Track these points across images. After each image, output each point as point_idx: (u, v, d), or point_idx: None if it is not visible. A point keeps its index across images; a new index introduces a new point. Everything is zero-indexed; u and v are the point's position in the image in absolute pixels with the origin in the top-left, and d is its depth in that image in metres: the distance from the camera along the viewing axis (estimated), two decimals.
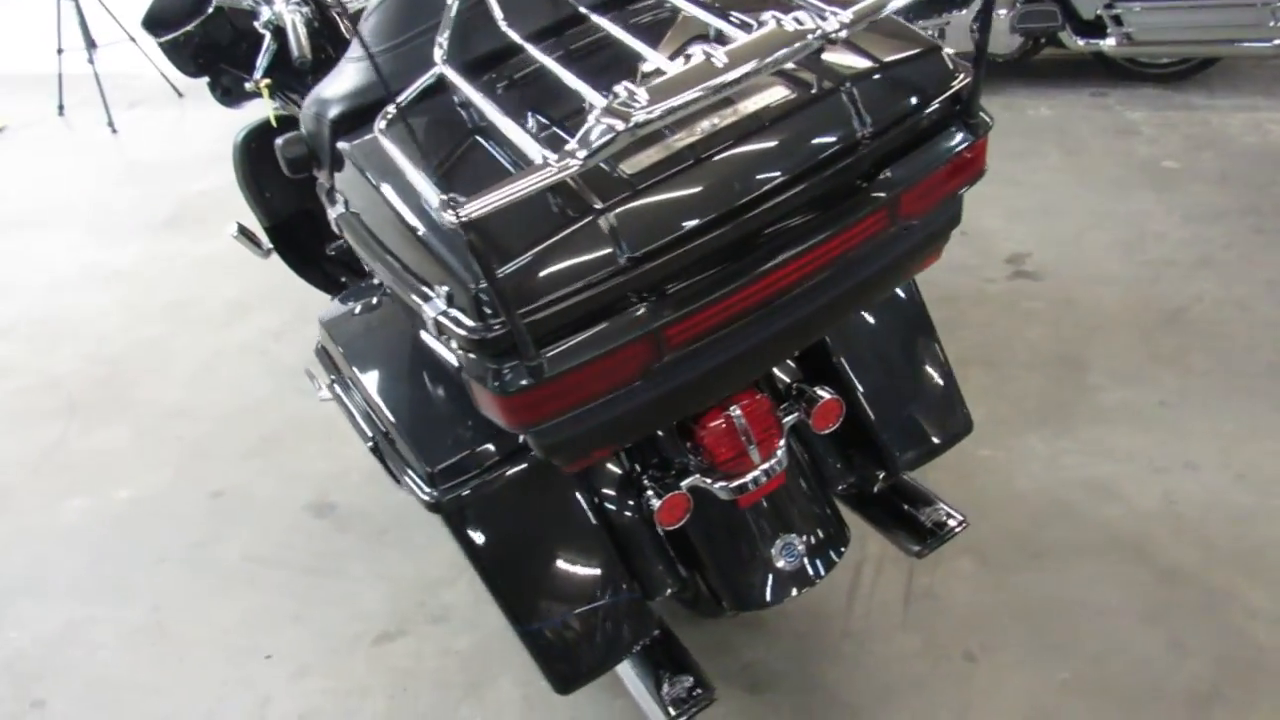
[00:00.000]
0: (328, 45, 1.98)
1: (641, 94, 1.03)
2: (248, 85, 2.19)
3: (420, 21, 1.45)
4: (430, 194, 1.05)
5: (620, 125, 1.02)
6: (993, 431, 2.50)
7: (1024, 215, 3.43)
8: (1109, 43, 4.05)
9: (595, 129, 1.02)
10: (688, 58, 1.10)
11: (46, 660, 2.24)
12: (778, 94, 1.26)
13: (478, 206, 1.02)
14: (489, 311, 1.12)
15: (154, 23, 2.24)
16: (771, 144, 1.23)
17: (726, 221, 1.19)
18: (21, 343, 3.47)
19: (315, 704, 2.05)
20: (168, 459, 2.81)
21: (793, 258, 1.23)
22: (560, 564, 1.59)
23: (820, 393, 1.59)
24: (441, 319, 1.16)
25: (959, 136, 1.31)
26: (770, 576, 1.63)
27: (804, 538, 1.64)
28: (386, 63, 1.42)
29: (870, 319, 1.73)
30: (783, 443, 1.57)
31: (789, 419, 1.59)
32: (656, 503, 1.51)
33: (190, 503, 2.64)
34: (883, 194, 1.27)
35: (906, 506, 1.82)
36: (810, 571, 1.64)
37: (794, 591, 1.65)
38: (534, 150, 1.09)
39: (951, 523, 1.76)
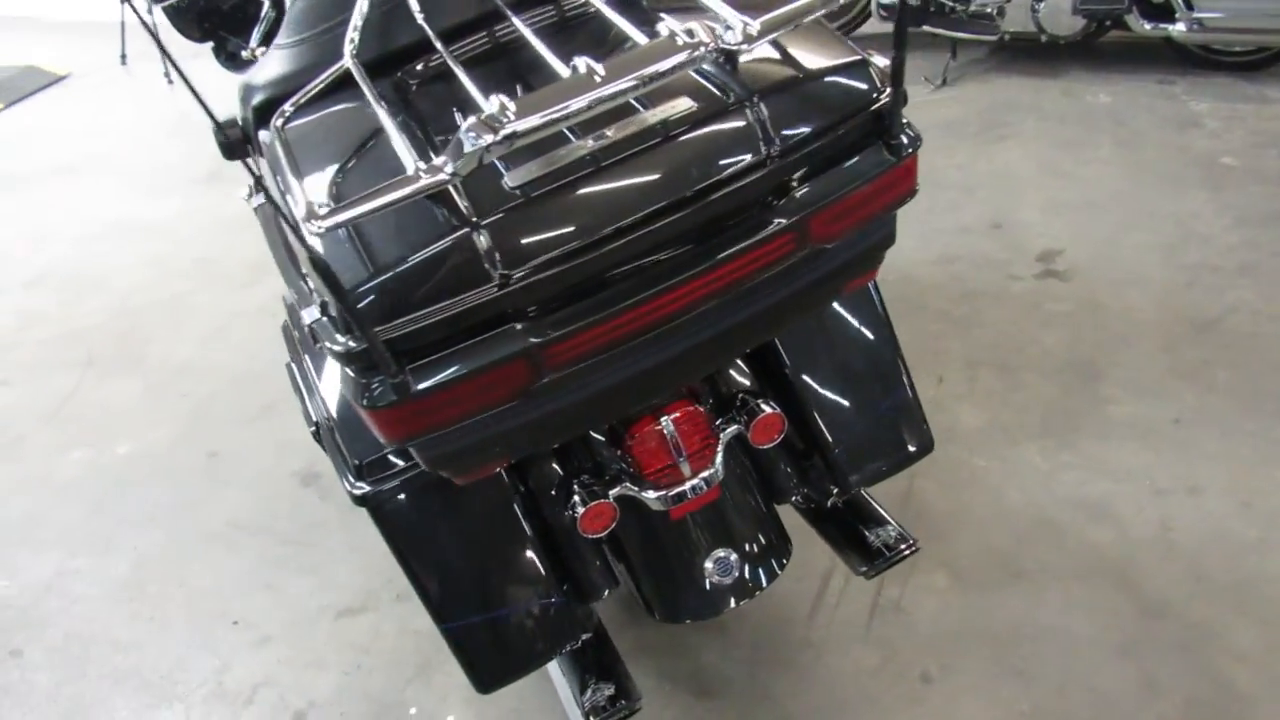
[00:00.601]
0: None
1: (512, 106, 0.98)
2: (244, 54, 2.18)
3: (348, 8, 1.40)
4: (298, 201, 1.02)
5: (489, 138, 0.97)
6: (991, 440, 2.40)
7: (1064, 209, 3.26)
8: (1178, 28, 3.80)
9: (465, 140, 0.98)
10: (574, 69, 1.04)
11: (30, 610, 2.31)
12: (683, 106, 1.18)
13: (337, 218, 0.99)
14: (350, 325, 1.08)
15: None
16: (668, 160, 1.15)
17: (610, 242, 1.12)
18: (51, 294, 3.57)
19: (272, 674, 2.08)
20: (171, 417, 2.86)
21: (684, 281, 1.15)
22: (486, 564, 1.56)
23: (762, 406, 1.52)
24: (315, 326, 1.12)
25: (878, 158, 1.23)
26: (701, 590, 1.58)
27: (739, 551, 1.58)
28: (309, 50, 1.38)
29: (827, 327, 1.65)
30: (720, 455, 1.51)
31: (728, 431, 1.53)
32: (580, 510, 1.47)
33: (186, 462, 2.69)
34: (788, 217, 1.18)
35: (858, 525, 1.74)
36: (744, 585, 1.59)
37: (730, 604, 1.60)
38: (408, 159, 1.05)
39: (901, 546, 1.68)
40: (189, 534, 2.45)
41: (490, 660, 1.57)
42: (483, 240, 1.08)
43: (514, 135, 0.98)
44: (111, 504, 2.57)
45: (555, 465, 1.59)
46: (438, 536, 1.55)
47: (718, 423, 1.53)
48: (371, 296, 1.06)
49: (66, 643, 2.22)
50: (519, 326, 1.12)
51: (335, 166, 1.24)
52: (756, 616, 2.06)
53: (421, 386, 1.08)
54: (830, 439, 1.64)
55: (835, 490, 1.69)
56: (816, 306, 1.52)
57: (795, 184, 1.20)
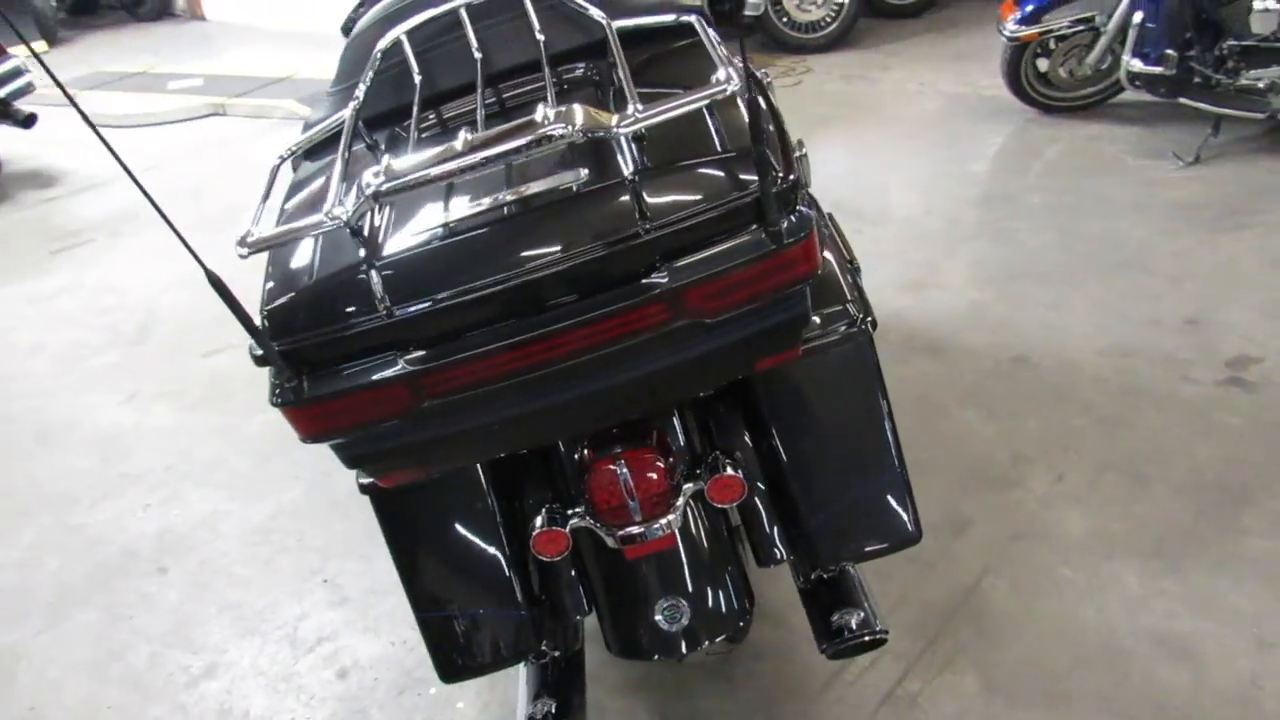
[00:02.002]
0: None
1: (386, 168, 1.14)
2: None
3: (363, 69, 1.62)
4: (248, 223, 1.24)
5: (368, 192, 1.14)
6: (1089, 550, 2.19)
7: None
8: None
9: (354, 193, 1.16)
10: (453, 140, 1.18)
11: (185, 538, 2.73)
12: (571, 177, 1.27)
13: (258, 242, 1.20)
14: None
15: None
16: (548, 226, 1.25)
17: (483, 292, 1.23)
18: None
19: (336, 631, 2.32)
20: None
21: (552, 334, 1.24)
22: (464, 566, 1.68)
23: (725, 466, 1.54)
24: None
25: (758, 241, 1.23)
26: (650, 632, 1.61)
27: (692, 602, 1.60)
28: (336, 100, 1.60)
29: (816, 398, 1.63)
30: (679, 505, 1.54)
31: (689, 485, 1.56)
32: (534, 532, 1.56)
33: None
34: (658, 289, 1.23)
35: (831, 600, 1.69)
36: (693, 635, 1.61)
37: (677, 651, 1.62)
38: (329, 202, 1.22)
39: (863, 631, 1.61)
40: (320, 496, 2.78)
41: (454, 653, 1.69)
42: (375, 278, 1.23)
43: (379, 194, 1.14)
44: (275, 461, 2.97)
45: (541, 487, 1.69)
46: (426, 533, 1.70)
47: (680, 475, 1.56)
48: (276, 312, 1.24)
49: (199, 569, 2.60)
50: (402, 354, 1.25)
51: (295, 202, 1.44)
52: (769, 676, 2.03)
53: (311, 394, 1.24)
54: (804, 511, 1.62)
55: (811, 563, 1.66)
56: (724, 378, 1.52)
57: (672, 258, 1.24)
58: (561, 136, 1.12)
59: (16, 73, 5.47)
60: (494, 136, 1.14)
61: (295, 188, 1.59)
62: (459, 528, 1.69)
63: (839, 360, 1.61)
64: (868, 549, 1.63)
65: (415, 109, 1.50)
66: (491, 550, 1.67)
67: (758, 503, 1.66)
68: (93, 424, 3.36)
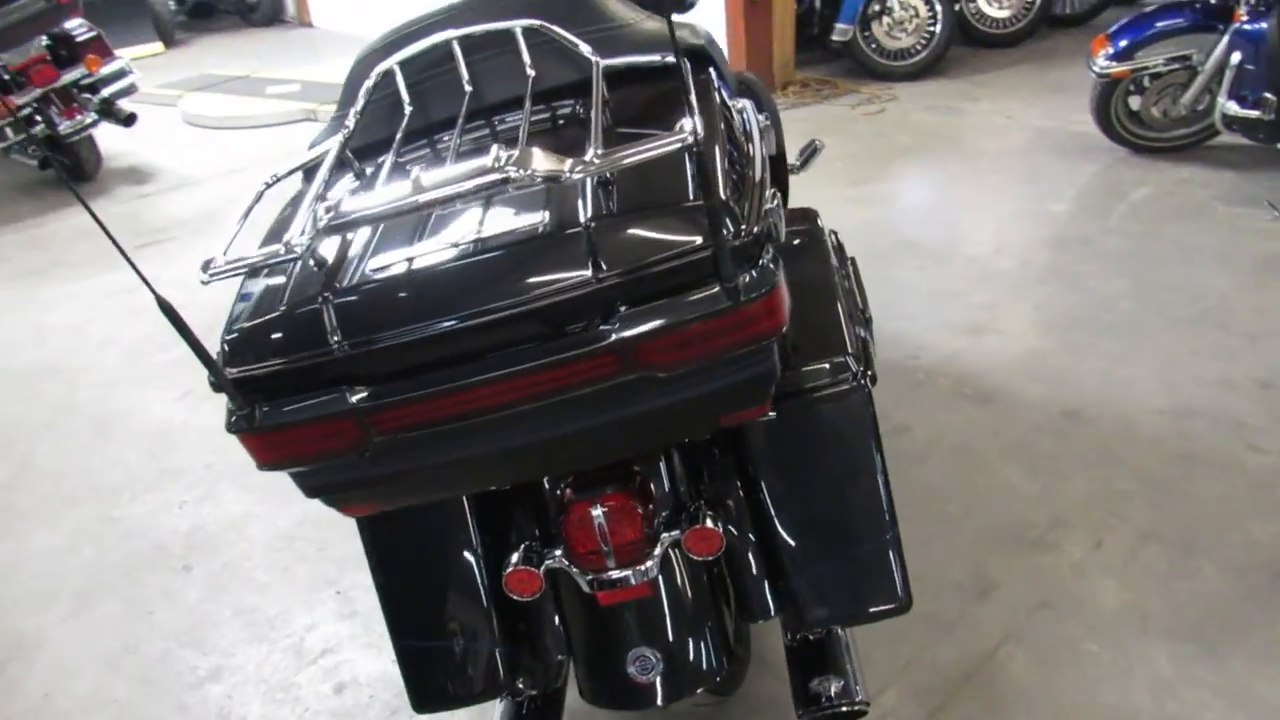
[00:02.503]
0: None
1: (338, 203, 1.13)
2: None
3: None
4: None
5: (318, 226, 1.13)
6: (1120, 626, 2.05)
7: None
8: None
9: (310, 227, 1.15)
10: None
11: (214, 538, 2.77)
12: (538, 218, 1.23)
13: (218, 272, 1.20)
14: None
15: None
16: (503, 267, 1.22)
17: (432, 332, 1.20)
18: None
19: (340, 644, 2.32)
20: None
21: (500, 380, 1.20)
22: (442, 596, 1.66)
23: (705, 518, 1.48)
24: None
25: (714, 298, 1.17)
26: (620, 681, 1.56)
27: (665, 654, 1.54)
28: (332, 126, 1.61)
29: (809, 456, 1.55)
30: (656, 554, 1.49)
31: (667, 535, 1.50)
32: (508, 569, 1.52)
33: None
34: (607, 340, 1.18)
35: (815, 664, 1.61)
36: (664, 690, 1.55)
37: (648, 703, 1.56)
38: (294, 231, 1.22)
39: (841, 700, 1.53)
40: None
41: (428, 683, 1.67)
42: (329, 312, 1.21)
43: (326, 229, 1.12)
44: None
45: (528, 522, 1.66)
46: (408, 561, 1.68)
47: (659, 522, 1.51)
48: (234, 340, 1.24)
49: (222, 570, 2.64)
50: (351, 389, 1.22)
51: (271, 228, 1.44)
52: None
53: (262, 423, 1.23)
54: (789, 569, 1.55)
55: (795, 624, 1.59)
56: (687, 433, 1.46)
57: (624, 310, 1.19)
58: (511, 181, 1.09)
59: (121, 73, 5.71)
60: (445, 178, 1.11)
61: (281, 213, 1.59)
62: (441, 559, 1.66)
63: (833, 415, 1.54)
64: (852, 614, 1.55)
65: (397, 140, 1.49)
66: (472, 584, 1.65)
67: (748, 555, 1.60)
68: (147, 418, 3.46)
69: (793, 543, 1.55)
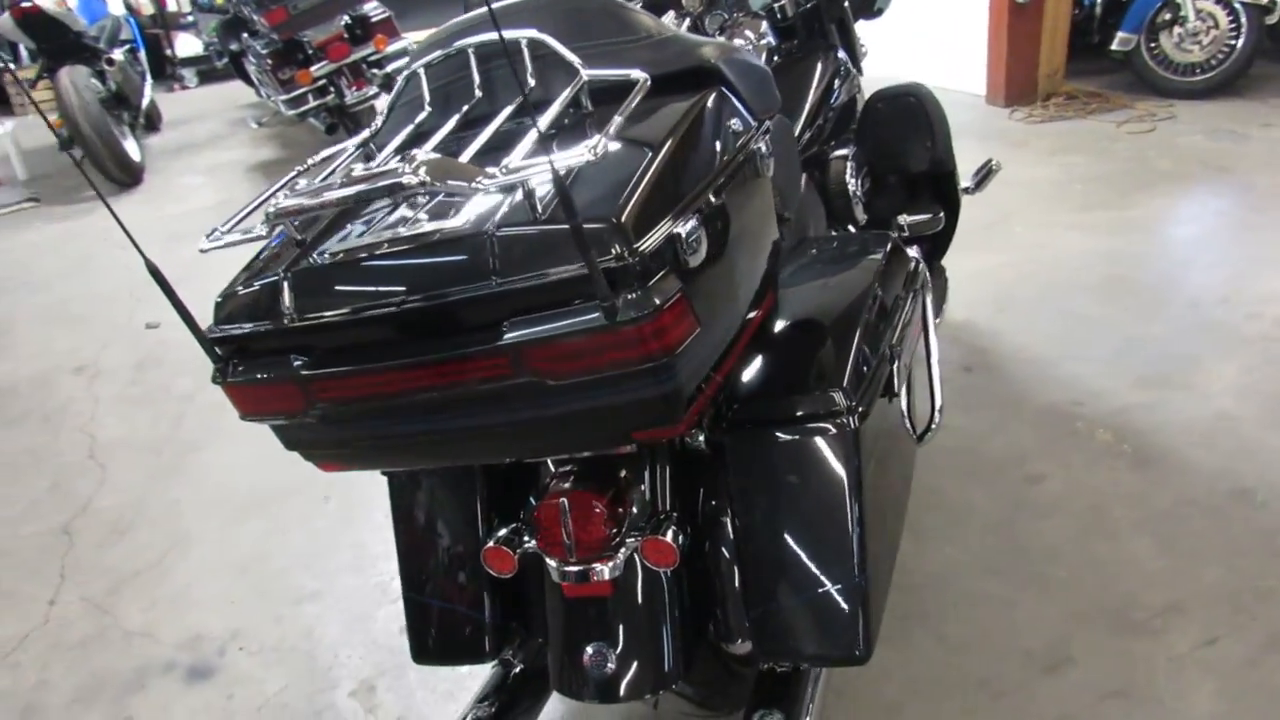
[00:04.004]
0: None
1: (290, 194, 1.25)
2: None
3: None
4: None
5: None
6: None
7: None
8: None
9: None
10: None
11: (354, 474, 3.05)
12: (461, 220, 1.26)
13: (212, 244, 1.36)
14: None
15: None
16: (419, 263, 1.27)
17: (352, 316, 1.28)
18: None
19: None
20: None
21: (403, 367, 1.26)
22: (446, 560, 1.77)
23: (662, 531, 1.48)
24: None
25: (593, 314, 1.16)
26: (576, 672, 1.58)
27: (618, 654, 1.55)
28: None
29: (778, 477, 1.49)
30: (620, 557, 1.50)
31: (631, 539, 1.51)
32: (488, 544, 1.60)
33: None
34: (497, 342, 1.21)
35: (770, 695, 1.54)
36: (614, 690, 1.55)
37: (599, 697, 1.58)
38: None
39: None
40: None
41: (426, 638, 1.78)
42: (288, 286, 1.32)
43: (273, 217, 1.25)
44: None
45: (523, 503, 1.72)
46: (422, 522, 1.80)
47: (627, 526, 1.52)
48: (220, 302, 1.39)
49: (352, 507, 2.91)
50: (295, 357, 1.33)
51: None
52: None
53: (230, 379, 1.37)
54: (748, 594, 1.51)
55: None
56: (600, 443, 1.44)
57: (520, 315, 1.21)
58: (408, 187, 1.14)
59: (403, 53, 6.30)
60: (360, 177, 1.18)
61: None
62: (448, 524, 1.77)
63: (810, 452, 1.47)
64: (805, 653, 1.48)
65: (398, 140, 1.58)
66: (474, 553, 1.73)
67: (722, 575, 1.58)
68: None
69: (757, 571, 1.50)
